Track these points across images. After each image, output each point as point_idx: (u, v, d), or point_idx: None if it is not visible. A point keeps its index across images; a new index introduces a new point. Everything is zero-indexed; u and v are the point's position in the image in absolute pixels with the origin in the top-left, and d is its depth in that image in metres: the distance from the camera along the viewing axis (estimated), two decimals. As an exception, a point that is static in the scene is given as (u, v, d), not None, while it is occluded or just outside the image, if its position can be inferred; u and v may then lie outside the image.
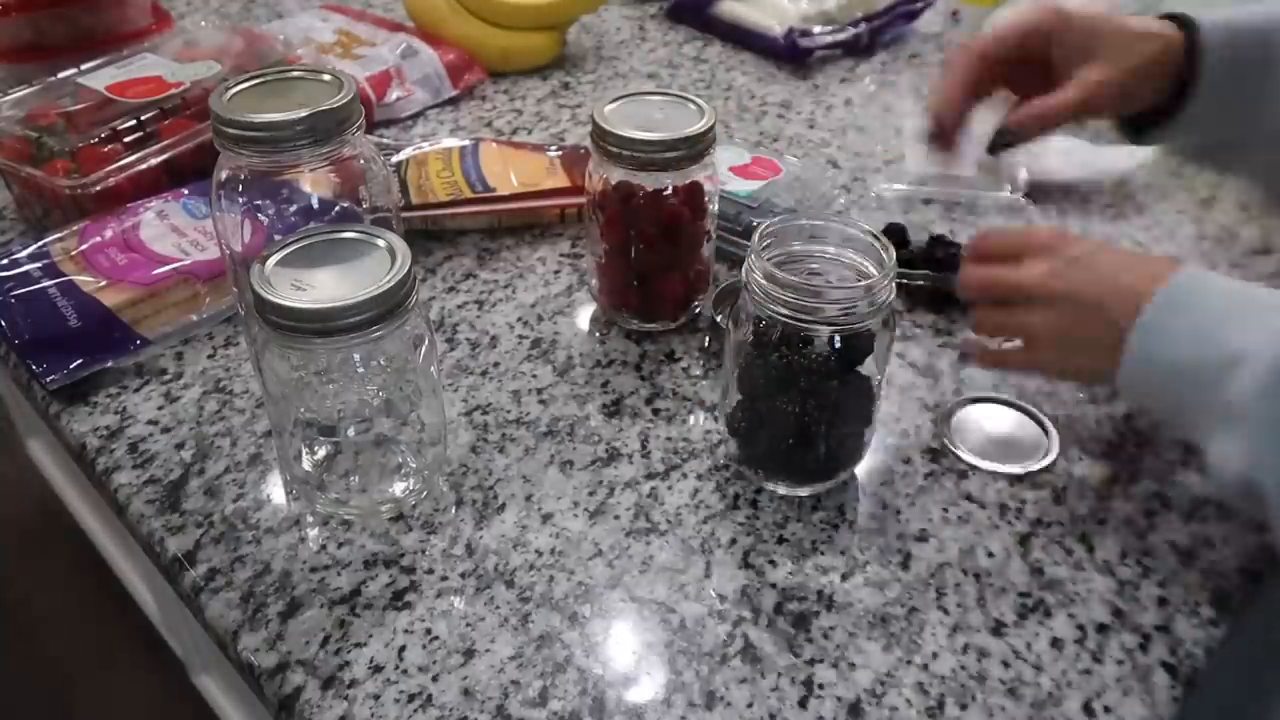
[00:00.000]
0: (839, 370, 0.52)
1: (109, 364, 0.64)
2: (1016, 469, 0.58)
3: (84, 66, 0.83)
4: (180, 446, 0.59)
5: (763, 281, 0.50)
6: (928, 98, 0.70)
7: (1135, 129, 0.72)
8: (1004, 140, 0.73)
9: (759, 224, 0.53)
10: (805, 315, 0.50)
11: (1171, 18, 0.67)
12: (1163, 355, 0.51)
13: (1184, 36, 0.66)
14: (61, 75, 0.82)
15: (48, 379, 0.62)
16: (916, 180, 0.83)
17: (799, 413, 0.53)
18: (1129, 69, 0.67)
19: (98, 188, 0.71)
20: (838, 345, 0.51)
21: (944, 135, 0.73)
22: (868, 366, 0.53)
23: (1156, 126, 0.70)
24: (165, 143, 0.75)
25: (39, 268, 0.67)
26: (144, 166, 0.73)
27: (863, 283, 0.50)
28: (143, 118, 0.76)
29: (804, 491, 0.56)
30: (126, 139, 0.75)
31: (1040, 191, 0.84)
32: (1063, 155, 0.86)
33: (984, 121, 0.74)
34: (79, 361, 0.62)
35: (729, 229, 0.73)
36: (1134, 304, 0.51)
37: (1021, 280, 0.56)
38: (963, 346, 0.66)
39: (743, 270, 0.52)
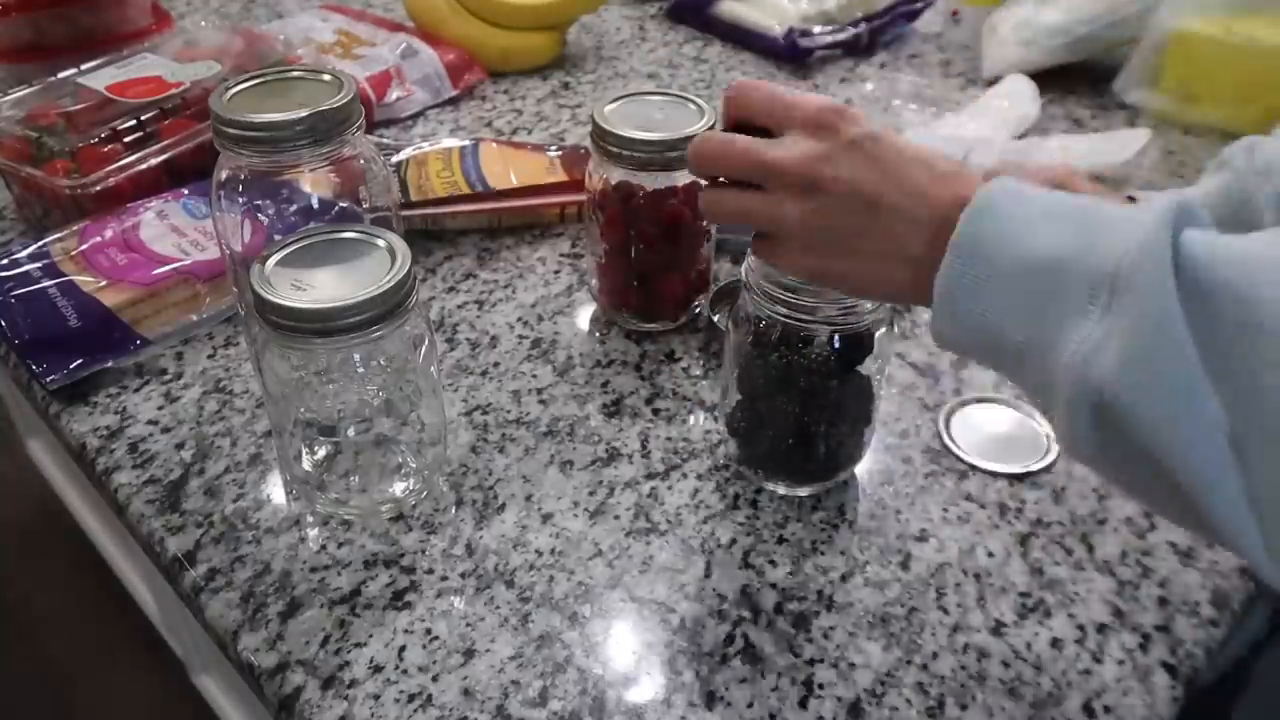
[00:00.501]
0: (839, 370, 0.52)
1: (109, 364, 0.64)
2: (1016, 468, 0.58)
3: (84, 66, 0.83)
4: (180, 446, 0.59)
5: (763, 281, 0.50)
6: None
7: None
8: None
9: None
10: (805, 315, 0.50)
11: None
12: (1000, 260, 0.38)
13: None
14: (61, 75, 0.82)
15: (48, 379, 0.62)
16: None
17: (799, 413, 0.53)
18: None
19: (98, 188, 0.71)
20: (837, 345, 0.51)
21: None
22: (867, 366, 0.53)
23: None
24: (165, 143, 0.75)
25: (39, 268, 0.67)
26: (144, 166, 0.73)
27: None
28: (143, 118, 0.76)
29: (804, 491, 0.56)
30: (126, 139, 0.75)
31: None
32: (1059, 150, 0.85)
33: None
34: (79, 361, 0.62)
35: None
36: (931, 210, 0.41)
37: (775, 158, 0.44)
38: (701, 204, 0.50)
39: (743, 270, 0.52)
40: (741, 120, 0.47)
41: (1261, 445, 0.33)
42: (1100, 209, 0.38)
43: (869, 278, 0.44)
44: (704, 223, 0.65)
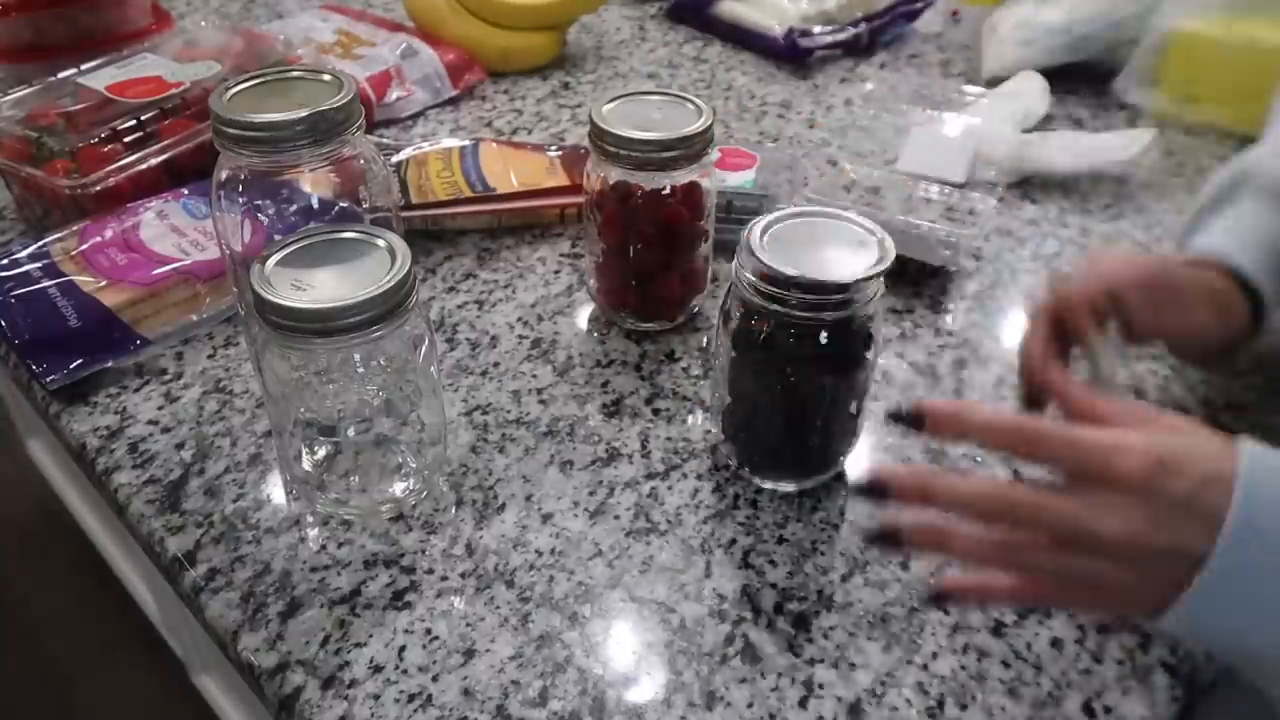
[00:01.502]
0: (829, 363, 0.52)
1: (109, 364, 0.64)
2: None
3: (84, 66, 0.83)
4: (180, 446, 0.59)
5: (751, 276, 0.50)
6: (1018, 361, 0.55)
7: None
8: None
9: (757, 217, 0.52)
10: (796, 309, 0.50)
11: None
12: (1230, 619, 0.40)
13: (1231, 280, 0.57)
14: (61, 75, 0.82)
15: (48, 379, 0.62)
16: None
17: (790, 407, 0.53)
18: (1195, 327, 0.56)
19: (98, 188, 0.71)
20: (827, 338, 0.51)
21: (1034, 399, 0.54)
22: (858, 359, 0.53)
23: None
24: (165, 143, 0.75)
25: (39, 268, 0.67)
26: (144, 166, 0.73)
27: (853, 276, 0.49)
28: (143, 118, 0.76)
29: (793, 486, 0.57)
30: (126, 139, 0.75)
31: (1038, 187, 0.84)
32: (1059, 149, 0.85)
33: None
34: (79, 361, 0.62)
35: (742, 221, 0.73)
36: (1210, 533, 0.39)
37: (1104, 533, 0.40)
38: (947, 585, 0.45)
39: (733, 265, 0.52)
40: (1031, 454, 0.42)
41: None
42: None
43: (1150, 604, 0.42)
44: (701, 222, 0.65)
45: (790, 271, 0.49)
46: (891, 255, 0.50)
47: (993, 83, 0.98)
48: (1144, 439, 0.41)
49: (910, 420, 0.43)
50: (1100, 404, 0.45)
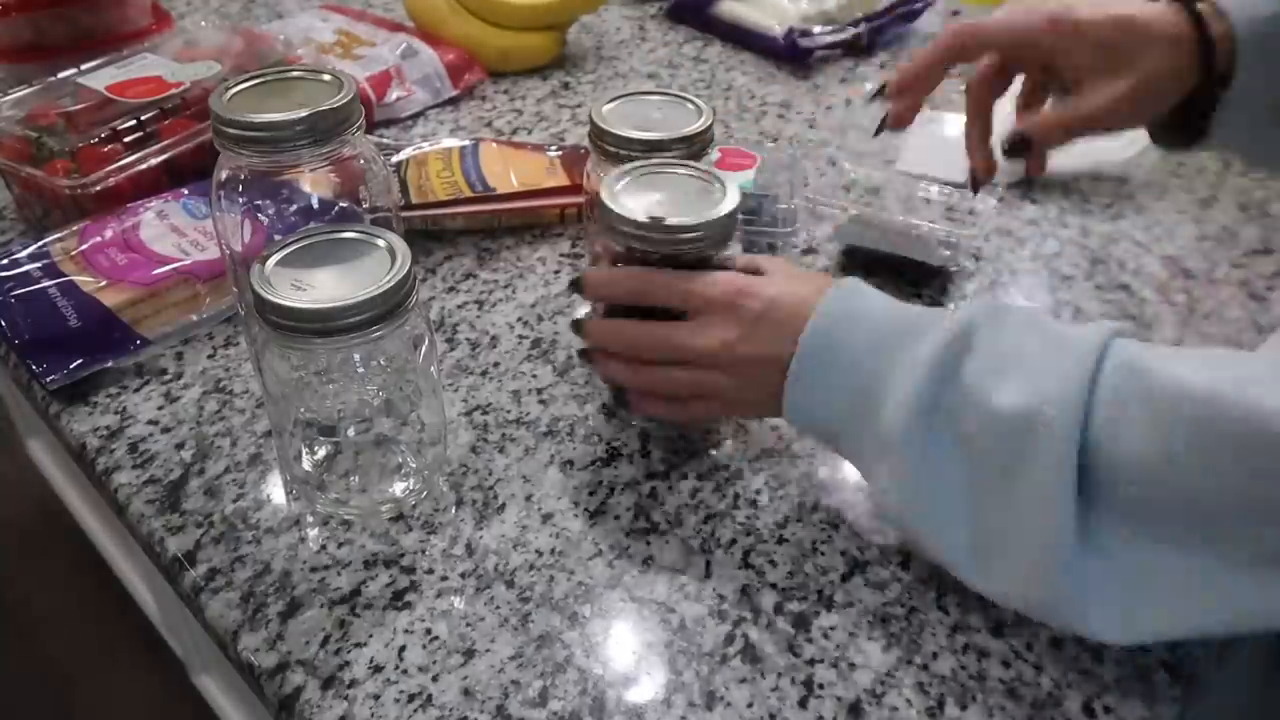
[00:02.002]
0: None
1: (109, 364, 0.64)
2: None
3: (84, 66, 0.83)
4: (180, 446, 0.59)
5: (608, 218, 0.53)
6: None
7: (1176, 134, 0.65)
8: (1020, 145, 0.66)
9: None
10: (646, 246, 0.53)
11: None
12: (813, 407, 0.51)
13: (1192, 27, 0.59)
14: (61, 75, 0.82)
15: (47, 379, 0.62)
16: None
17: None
18: (1145, 80, 0.61)
19: (98, 188, 0.71)
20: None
21: (901, 93, 0.68)
22: None
23: (1197, 130, 0.63)
24: (165, 143, 0.75)
25: (39, 268, 0.67)
26: (144, 166, 0.73)
27: (700, 219, 0.53)
28: (143, 118, 0.76)
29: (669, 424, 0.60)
30: (126, 139, 0.75)
31: (1038, 187, 0.84)
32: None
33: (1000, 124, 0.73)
34: (79, 362, 0.62)
35: (751, 221, 0.76)
36: (792, 353, 0.51)
37: (697, 345, 0.53)
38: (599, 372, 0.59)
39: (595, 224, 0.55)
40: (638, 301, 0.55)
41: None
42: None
43: (768, 409, 0.54)
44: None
45: (640, 217, 0.52)
46: (735, 201, 0.54)
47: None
48: (734, 276, 0.53)
49: (572, 286, 0.57)
50: (757, 260, 0.56)
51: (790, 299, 0.52)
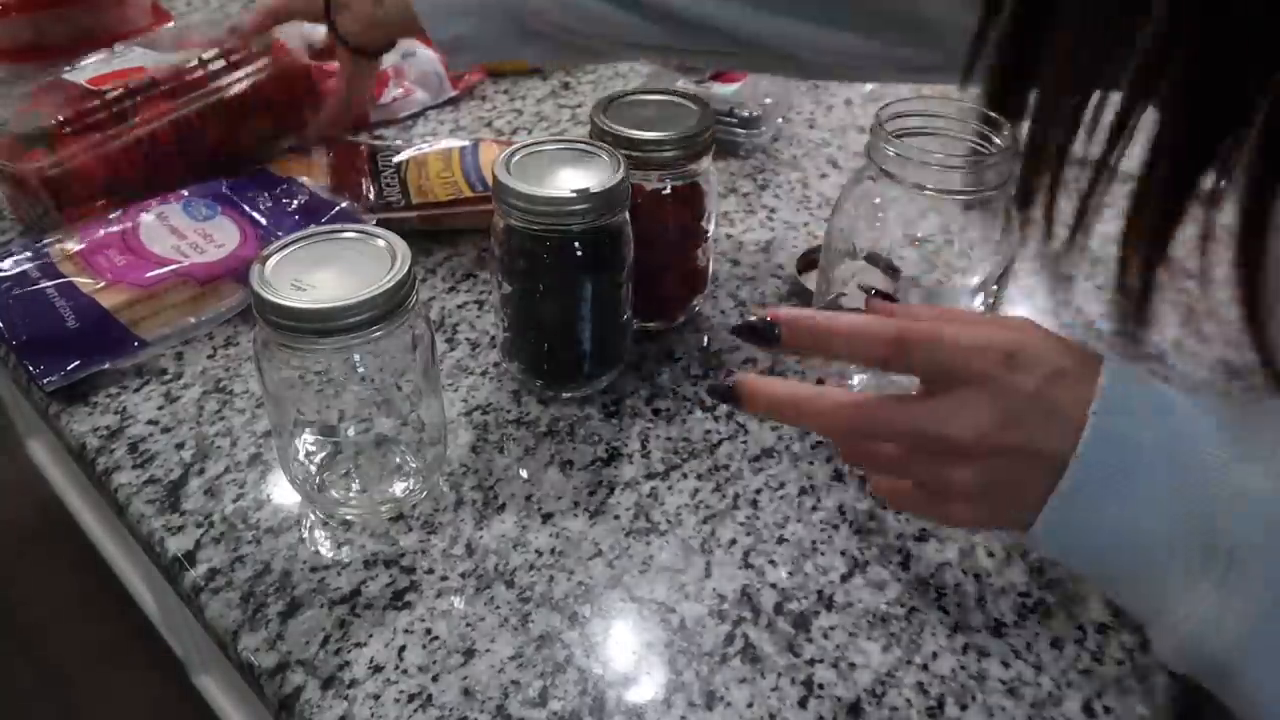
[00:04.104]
0: (584, 270, 0.57)
1: (106, 366, 0.63)
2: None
3: (74, 64, 0.83)
4: (180, 446, 0.59)
5: (506, 183, 0.54)
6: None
7: None
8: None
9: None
10: (541, 221, 0.54)
11: None
12: (1089, 527, 0.40)
13: None
14: (49, 78, 0.82)
15: (44, 380, 0.62)
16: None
17: (554, 315, 0.59)
18: None
19: (66, 166, 0.71)
20: (578, 248, 0.56)
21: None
22: (610, 262, 0.58)
23: None
24: (138, 120, 0.75)
25: (37, 267, 0.67)
26: (118, 143, 0.74)
27: (589, 188, 0.54)
28: (117, 100, 0.76)
29: (567, 394, 0.62)
30: (101, 120, 0.75)
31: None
32: None
33: None
34: (76, 363, 0.62)
35: (729, 124, 0.89)
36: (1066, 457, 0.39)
37: (952, 435, 0.41)
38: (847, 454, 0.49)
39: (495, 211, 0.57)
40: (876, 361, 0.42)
41: None
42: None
43: (1023, 520, 0.42)
44: (701, 222, 0.65)
45: (534, 190, 0.54)
46: (622, 174, 0.55)
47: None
48: (992, 333, 0.41)
49: (763, 332, 0.43)
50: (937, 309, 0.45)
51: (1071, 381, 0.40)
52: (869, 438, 0.44)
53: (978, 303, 0.55)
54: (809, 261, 0.73)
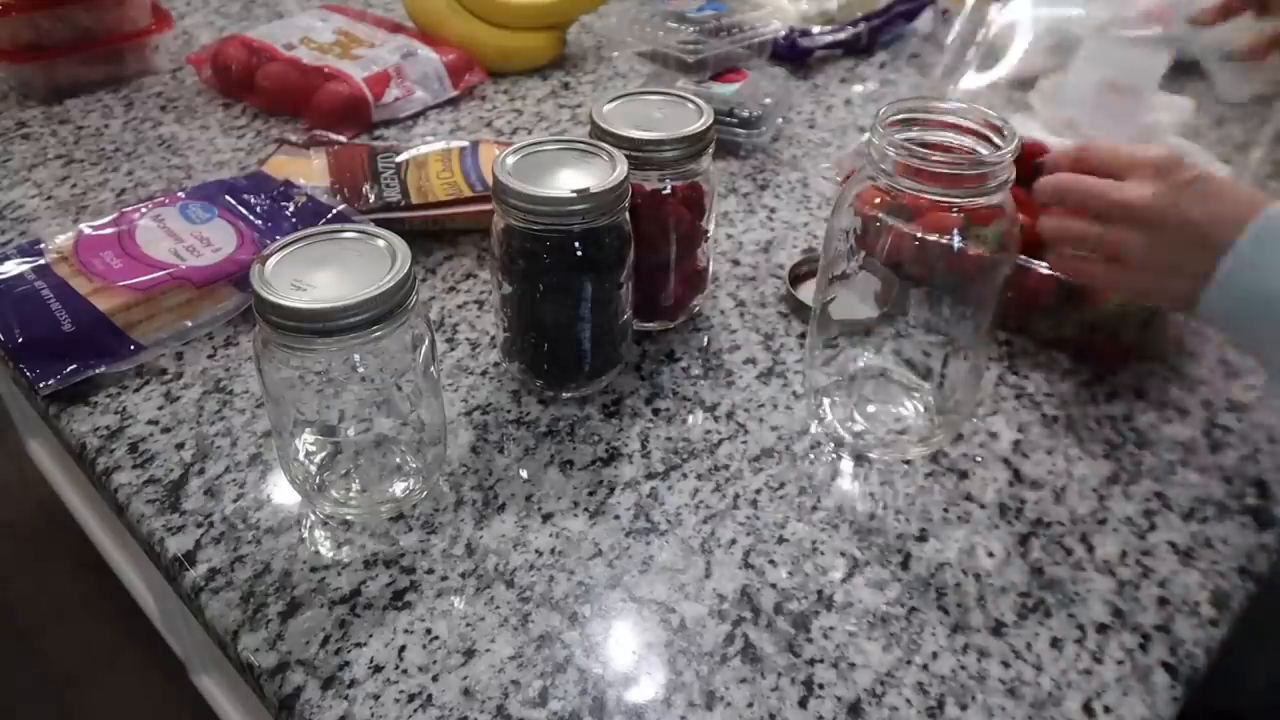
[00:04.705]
0: (580, 270, 0.57)
1: (101, 369, 0.63)
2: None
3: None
4: (180, 446, 0.59)
5: (502, 194, 0.55)
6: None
7: None
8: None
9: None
10: (539, 221, 0.54)
11: None
12: (1253, 286, 0.51)
13: None
14: None
15: (39, 384, 0.61)
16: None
17: (552, 315, 0.59)
18: None
19: None
20: (578, 247, 0.56)
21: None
22: (610, 262, 0.57)
23: None
24: None
25: (32, 269, 0.66)
26: None
27: (579, 189, 0.54)
28: None
29: (567, 394, 0.62)
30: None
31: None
32: (1097, 109, 0.83)
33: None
34: (72, 367, 0.62)
35: (729, 125, 0.89)
36: (1231, 233, 0.51)
37: (1130, 199, 0.54)
38: (1044, 228, 0.60)
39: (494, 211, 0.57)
40: (1084, 165, 0.58)
41: None
42: None
43: (1187, 292, 0.53)
44: (701, 222, 0.65)
45: (534, 190, 0.54)
46: (622, 174, 0.55)
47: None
48: (1161, 148, 0.55)
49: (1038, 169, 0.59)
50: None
51: (1224, 179, 0.54)
52: (1065, 202, 0.57)
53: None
54: (798, 275, 0.73)
